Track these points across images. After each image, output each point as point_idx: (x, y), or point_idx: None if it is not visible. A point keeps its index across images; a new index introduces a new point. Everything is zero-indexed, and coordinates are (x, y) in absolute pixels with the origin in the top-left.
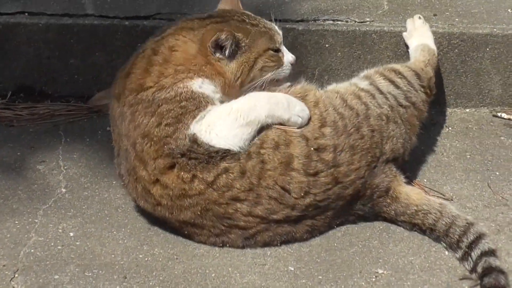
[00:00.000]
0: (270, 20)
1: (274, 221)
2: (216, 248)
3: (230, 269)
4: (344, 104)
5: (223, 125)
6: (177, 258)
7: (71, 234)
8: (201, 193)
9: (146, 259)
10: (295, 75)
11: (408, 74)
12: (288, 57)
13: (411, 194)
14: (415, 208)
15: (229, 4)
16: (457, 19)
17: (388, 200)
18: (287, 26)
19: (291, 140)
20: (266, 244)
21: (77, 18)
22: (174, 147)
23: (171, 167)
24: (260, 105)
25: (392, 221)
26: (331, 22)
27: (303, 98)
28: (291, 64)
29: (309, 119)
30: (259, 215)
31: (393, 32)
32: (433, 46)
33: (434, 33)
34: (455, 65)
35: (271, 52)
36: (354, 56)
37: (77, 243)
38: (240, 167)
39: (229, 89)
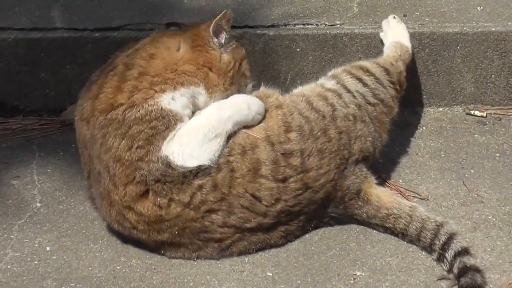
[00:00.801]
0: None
1: (247, 230)
2: None
3: (208, 277)
4: (310, 107)
5: (195, 143)
6: (154, 268)
7: (48, 248)
8: (178, 215)
9: (123, 270)
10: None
11: (376, 71)
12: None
13: (382, 197)
14: (386, 211)
15: None
16: (427, 19)
17: (360, 203)
18: (258, 32)
19: (256, 144)
20: (241, 254)
21: (47, 32)
22: (146, 172)
23: (145, 193)
24: (226, 115)
25: (365, 224)
26: (302, 26)
27: (265, 100)
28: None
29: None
30: (233, 224)
31: (364, 34)
32: (407, 43)
33: None
34: (427, 64)
35: (247, 60)
36: (326, 59)
37: (54, 257)
38: (212, 181)
39: (220, 80)
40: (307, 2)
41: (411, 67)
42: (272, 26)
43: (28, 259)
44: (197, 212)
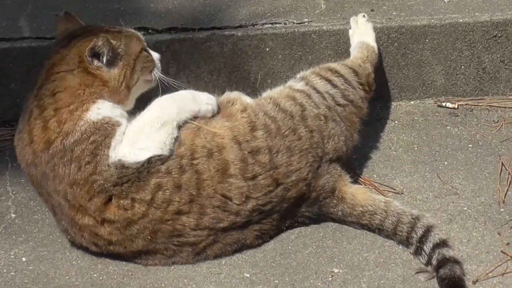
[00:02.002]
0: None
1: (221, 230)
2: None
3: (185, 280)
4: (277, 108)
5: (143, 136)
6: (132, 274)
7: (24, 259)
8: (145, 214)
9: (101, 277)
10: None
11: (345, 72)
12: (155, 54)
13: (356, 194)
14: (361, 209)
15: (70, 23)
16: (394, 13)
17: (335, 201)
18: (226, 33)
19: (223, 146)
20: (217, 256)
21: (14, 42)
22: (102, 181)
23: (108, 200)
24: (167, 105)
25: (341, 222)
26: (270, 25)
27: (230, 107)
28: (159, 60)
29: (219, 109)
30: (206, 226)
31: (332, 31)
32: (373, 43)
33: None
34: (396, 58)
35: (145, 52)
36: (296, 57)
37: (30, 267)
38: (173, 181)
39: (118, 97)
40: (275, 1)
41: (381, 61)
42: (240, 26)
43: (4, 270)
44: (164, 212)
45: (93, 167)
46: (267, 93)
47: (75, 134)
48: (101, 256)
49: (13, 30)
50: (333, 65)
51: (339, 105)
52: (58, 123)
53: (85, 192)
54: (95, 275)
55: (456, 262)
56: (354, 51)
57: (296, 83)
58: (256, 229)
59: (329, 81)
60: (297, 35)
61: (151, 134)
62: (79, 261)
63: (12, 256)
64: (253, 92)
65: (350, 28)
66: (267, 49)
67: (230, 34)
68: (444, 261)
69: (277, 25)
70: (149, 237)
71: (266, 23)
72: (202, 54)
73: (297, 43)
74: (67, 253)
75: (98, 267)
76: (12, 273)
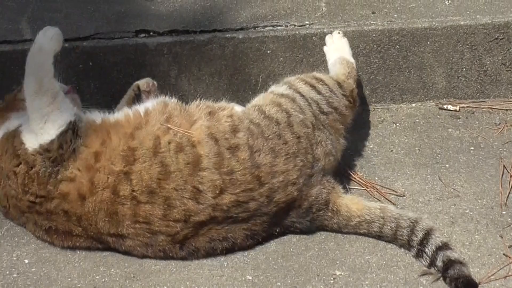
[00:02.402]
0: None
1: (198, 223)
2: (173, 263)
3: (188, 283)
4: (262, 116)
5: (37, 117)
6: (134, 277)
7: (26, 261)
8: (89, 190)
9: (103, 280)
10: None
11: (329, 82)
12: None
13: (351, 206)
14: (358, 219)
15: None
16: (395, 15)
17: (329, 214)
18: (227, 35)
19: (198, 141)
20: (209, 253)
21: (16, 44)
22: (39, 168)
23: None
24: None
25: (337, 232)
26: (271, 28)
27: (218, 111)
28: None
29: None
30: (178, 218)
31: None
32: (351, 59)
33: (373, 31)
34: (397, 61)
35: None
36: (297, 60)
37: (33, 269)
38: (109, 169)
39: None
40: (276, 4)
41: (382, 64)
42: (241, 29)
43: (7, 272)
44: (114, 194)
45: (23, 167)
46: (252, 102)
47: None
48: (103, 252)
49: (15, 33)
50: (319, 74)
51: (323, 113)
52: None
53: (22, 193)
54: (97, 277)
55: (462, 263)
56: (335, 68)
57: (279, 88)
58: (245, 228)
59: (313, 87)
60: (298, 38)
61: (41, 107)
62: (81, 263)
63: (14, 258)
64: (254, 94)
65: (325, 45)
66: (268, 52)
67: (231, 37)
68: (450, 263)
69: (278, 27)
70: (108, 219)
71: (267, 26)
72: (203, 57)
73: (298, 45)
74: (69, 255)
75: (100, 269)
76: (15, 275)
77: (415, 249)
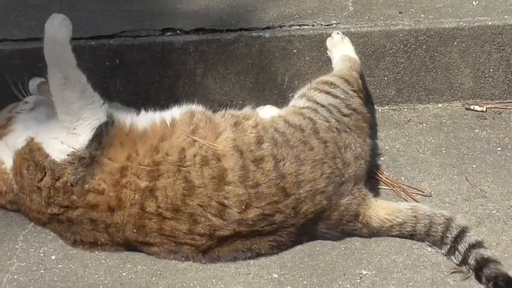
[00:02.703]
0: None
1: (223, 238)
2: None
3: (214, 280)
4: (286, 125)
5: (67, 115)
6: (160, 274)
7: (53, 257)
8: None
9: (129, 276)
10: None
11: (339, 83)
12: None
13: (381, 213)
14: (389, 223)
15: None
16: (422, 15)
17: (359, 225)
18: (253, 34)
19: (223, 154)
20: (230, 261)
21: (41, 42)
22: (72, 176)
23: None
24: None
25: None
26: (297, 27)
27: (243, 121)
28: None
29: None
30: (202, 233)
31: (360, 33)
32: (354, 55)
33: (400, 31)
34: (424, 61)
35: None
36: (323, 59)
37: (60, 265)
38: (136, 184)
39: None
40: (302, 3)
41: (409, 64)
42: (268, 28)
43: (34, 268)
44: (141, 210)
45: (48, 179)
46: (275, 113)
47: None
48: (130, 256)
49: (40, 31)
50: (325, 77)
51: (344, 115)
52: None
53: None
54: (123, 274)
55: (497, 262)
56: (338, 65)
57: (298, 101)
58: (270, 240)
59: (328, 93)
60: (325, 37)
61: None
62: (107, 260)
63: (41, 254)
64: (280, 93)
65: (327, 49)
66: (294, 51)
67: (258, 36)
68: (484, 261)
69: (305, 26)
70: (135, 230)
71: (293, 25)
72: (229, 55)
73: (324, 45)
74: (96, 252)
75: (127, 266)
76: (42, 271)
77: (448, 246)
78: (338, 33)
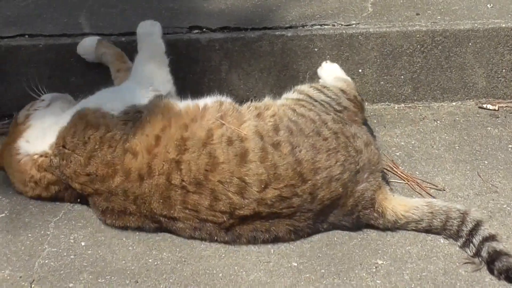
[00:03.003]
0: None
1: (243, 217)
2: (222, 249)
3: (236, 268)
4: (295, 113)
5: (144, 77)
6: (185, 261)
7: (83, 243)
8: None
9: (155, 263)
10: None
11: (333, 89)
12: None
13: (397, 208)
14: (405, 220)
15: None
16: (439, 17)
17: (375, 214)
18: (277, 33)
19: (246, 137)
20: (250, 241)
21: (75, 38)
22: (118, 132)
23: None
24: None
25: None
26: (319, 26)
27: (264, 111)
28: None
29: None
30: (223, 210)
31: (379, 33)
32: (346, 76)
33: (417, 31)
34: (440, 61)
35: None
36: (343, 58)
37: (89, 251)
38: (165, 154)
39: None
40: (323, 4)
41: (425, 63)
42: (290, 27)
43: (64, 254)
44: (167, 181)
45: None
46: (278, 102)
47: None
48: (156, 237)
49: (73, 27)
50: (322, 83)
51: (338, 111)
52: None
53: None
54: (150, 260)
55: (509, 255)
56: (333, 83)
57: (290, 94)
58: (288, 224)
59: (321, 91)
60: (345, 37)
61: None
62: (134, 247)
63: (71, 241)
64: None
65: (319, 78)
66: (315, 50)
67: (281, 34)
68: (496, 254)
69: (326, 26)
70: (161, 201)
71: (315, 24)
72: (253, 53)
73: (344, 44)
74: (124, 239)
75: (153, 253)
76: (72, 257)
77: (463, 239)
78: (326, 62)
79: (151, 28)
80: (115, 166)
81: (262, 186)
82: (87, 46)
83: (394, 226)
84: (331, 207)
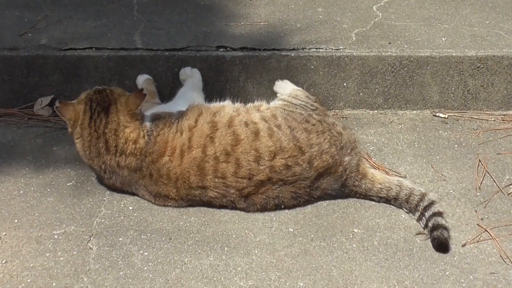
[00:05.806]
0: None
1: (259, 182)
2: (236, 216)
3: (246, 231)
4: (285, 111)
5: (185, 99)
6: (208, 224)
7: (130, 207)
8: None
9: (185, 225)
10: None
11: (300, 96)
12: None
13: (375, 175)
14: (380, 185)
15: (69, 105)
16: (405, 46)
17: (360, 176)
18: (283, 53)
19: (256, 121)
20: (262, 207)
21: (130, 51)
22: (174, 118)
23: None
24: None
25: (362, 196)
26: (315, 50)
27: (261, 107)
28: None
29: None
30: (244, 175)
31: (360, 56)
32: (298, 87)
33: (389, 56)
34: (405, 79)
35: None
36: (332, 74)
37: (135, 214)
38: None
39: None
40: (319, 33)
41: (394, 81)
42: (293, 49)
43: (116, 215)
44: (203, 153)
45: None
46: (270, 104)
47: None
48: (185, 210)
49: (129, 43)
50: (290, 95)
51: (313, 109)
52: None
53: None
54: (181, 222)
55: (445, 228)
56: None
57: (275, 101)
58: (292, 191)
59: (296, 99)
60: (334, 58)
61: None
62: (170, 212)
63: (122, 205)
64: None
65: (276, 94)
66: (312, 67)
67: (286, 54)
68: (437, 226)
69: (320, 50)
70: (198, 172)
71: (312, 48)
72: (264, 68)
73: (334, 63)
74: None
75: (183, 217)
76: (122, 217)
77: (419, 213)
78: (278, 80)
79: (191, 71)
80: (167, 143)
81: (272, 155)
82: (138, 79)
83: (372, 189)
84: (324, 175)
